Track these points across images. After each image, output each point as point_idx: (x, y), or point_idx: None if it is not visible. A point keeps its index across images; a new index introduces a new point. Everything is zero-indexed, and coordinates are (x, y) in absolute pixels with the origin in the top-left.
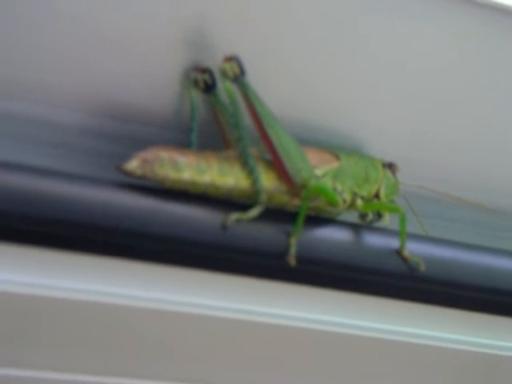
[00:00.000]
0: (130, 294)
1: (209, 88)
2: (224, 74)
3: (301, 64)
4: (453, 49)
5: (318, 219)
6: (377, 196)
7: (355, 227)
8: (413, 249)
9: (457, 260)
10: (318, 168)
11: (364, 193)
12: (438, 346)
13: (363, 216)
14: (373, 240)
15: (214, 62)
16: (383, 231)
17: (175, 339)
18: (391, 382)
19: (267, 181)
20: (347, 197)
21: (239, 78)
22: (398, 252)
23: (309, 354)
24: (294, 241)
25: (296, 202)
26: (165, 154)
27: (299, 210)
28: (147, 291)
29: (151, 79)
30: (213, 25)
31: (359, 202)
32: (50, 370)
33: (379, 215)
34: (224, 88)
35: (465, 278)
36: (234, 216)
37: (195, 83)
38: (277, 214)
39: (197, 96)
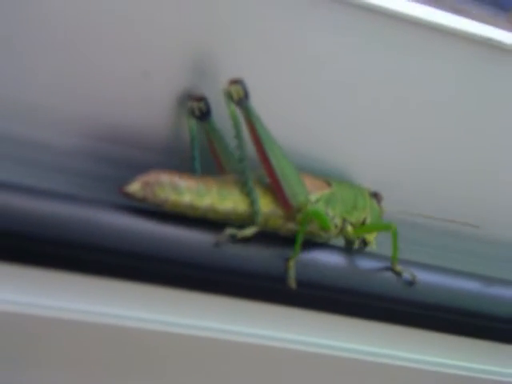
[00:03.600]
0: (122, 314)
1: (203, 115)
2: (229, 96)
3: (297, 93)
4: (441, 84)
5: (311, 243)
6: (363, 224)
7: (346, 251)
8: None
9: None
10: (313, 193)
11: (353, 219)
12: (430, 369)
13: (350, 243)
14: (366, 263)
15: (210, 89)
16: (373, 255)
17: (168, 360)
18: None
19: (264, 205)
20: (338, 222)
21: (243, 101)
22: (391, 268)
23: (306, 378)
24: (292, 263)
25: (290, 225)
26: (165, 178)
27: (297, 234)
28: (140, 312)
29: (149, 104)
30: (211, 52)
31: (349, 228)
32: None
33: (365, 242)
34: (229, 110)
35: (449, 301)
36: (228, 232)
37: (191, 111)
38: (271, 238)
39: (195, 125)
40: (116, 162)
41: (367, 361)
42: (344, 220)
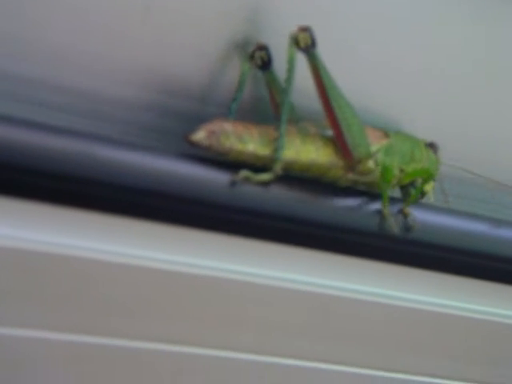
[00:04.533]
0: (135, 253)
1: (264, 65)
2: (296, 42)
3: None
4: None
5: (321, 185)
6: None
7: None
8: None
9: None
10: (373, 144)
11: (410, 170)
12: (425, 309)
13: (407, 194)
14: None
15: (269, 39)
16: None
17: (184, 300)
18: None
19: (325, 155)
20: (396, 173)
21: (310, 48)
22: (402, 209)
23: (310, 317)
24: (387, 211)
25: (349, 176)
26: (229, 126)
27: (380, 186)
28: (154, 252)
29: (201, 54)
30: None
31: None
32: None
33: (422, 193)
34: (288, 53)
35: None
36: (243, 174)
37: (251, 58)
38: (290, 181)
39: (249, 70)
40: (163, 113)
41: (377, 302)
42: (401, 171)
